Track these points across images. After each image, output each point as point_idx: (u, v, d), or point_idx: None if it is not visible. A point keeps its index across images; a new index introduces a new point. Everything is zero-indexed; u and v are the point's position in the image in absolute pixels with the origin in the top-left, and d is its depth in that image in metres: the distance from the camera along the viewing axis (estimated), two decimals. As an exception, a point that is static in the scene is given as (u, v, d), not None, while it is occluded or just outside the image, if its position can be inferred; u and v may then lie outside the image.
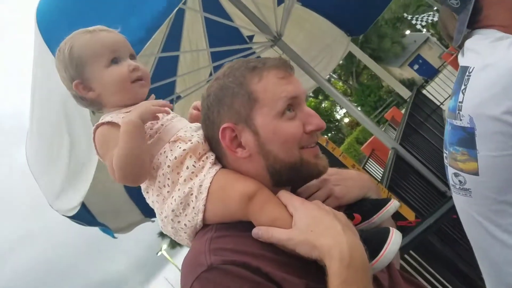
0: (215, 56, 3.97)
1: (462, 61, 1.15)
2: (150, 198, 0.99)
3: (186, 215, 0.92)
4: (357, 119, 4.37)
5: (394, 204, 1.00)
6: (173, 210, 0.92)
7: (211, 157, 0.96)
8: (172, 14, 1.94)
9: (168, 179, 0.94)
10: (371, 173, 6.80)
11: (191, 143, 0.96)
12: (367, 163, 7.30)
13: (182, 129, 1.01)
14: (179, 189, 0.92)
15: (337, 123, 27.55)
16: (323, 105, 25.91)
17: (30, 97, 2.30)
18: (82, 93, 1.08)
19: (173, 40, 3.51)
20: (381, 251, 0.84)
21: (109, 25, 1.41)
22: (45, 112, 2.24)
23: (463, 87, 1.07)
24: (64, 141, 2.15)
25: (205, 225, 0.91)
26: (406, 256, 2.29)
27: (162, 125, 1.03)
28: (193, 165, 0.93)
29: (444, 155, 1.19)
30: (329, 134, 27.20)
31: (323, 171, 0.96)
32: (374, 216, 0.98)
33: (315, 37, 4.83)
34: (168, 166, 0.94)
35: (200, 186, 0.90)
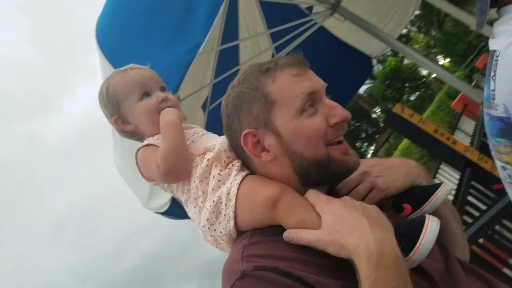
0: (275, 37, 3.88)
1: (491, 44, 0.99)
2: (190, 211, 1.02)
3: (219, 223, 0.94)
4: (439, 76, 4.01)
5: (445, 189, 0.93)
6: (208, 219, 0.95)
7: (237, 164, 0.97)
8: (225, 6, 1.96)
9: (199, 190, 0.97)
10: (466, 132, 6.19)
11: (214, 152, 0.98)
12: (460, 121, 6.67)
13: (210, 142, 1.04)
14: (209, 199, 0.95)
15: (424, 79, 25.69)
16: (404, 62, 24.27)
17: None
18: (121, 127, 1.21)
19: (231, 30, 3.50)
20: (417, 243, 0.78)
21: (163, 36, 1.46)
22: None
23: (492, 73, 0.94)
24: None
25: (242, 231, 0.92)
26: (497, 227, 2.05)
27: (192, 141, 1.09)
28: (218, 173, 0.95)
29: (490, 146, 1.06)
30: (417, 93, 25.50)
31: (354, 168, 0.91)
32: (425, 204, 0.91)
33: (381, -5, 4.49)
34: (197, 177, 0.98)
35: (228, 194, 0.92)
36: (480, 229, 2.00)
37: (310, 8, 4.05)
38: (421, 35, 24.40)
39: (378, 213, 0.81)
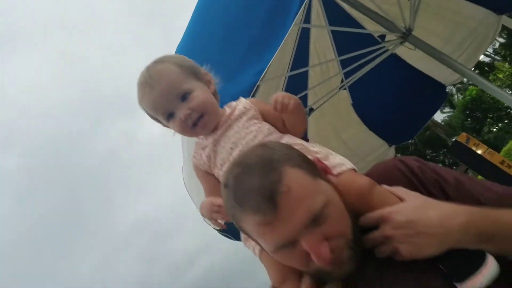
0: (345, 63, 3.94)
1: None
2: None
3: None
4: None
5: (491, 269, 0.79)
6: None
7: None
8: (298, 35, 2.07)
9: None
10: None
11: None
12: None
13: None
14: None
15: (509, 110, 23.86)
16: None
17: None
18: None
19: (301, 57, 3.64)
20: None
21: (236, 57, 1.55)
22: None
23: None
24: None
25: None
26: None
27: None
28: None
29: None
30: (500, 124, 23.79)
31: (342, 277, 0.88)
32: (464, 284, 0.80)
33: (457, 24, 4.37)
34: None
35: None
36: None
37: (382, 37, 4.07)
38: (506, 64, 22.84)
39: None
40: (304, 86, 3.80)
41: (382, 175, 1.01)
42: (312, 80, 3.87)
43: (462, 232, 0.81)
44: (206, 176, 1.26)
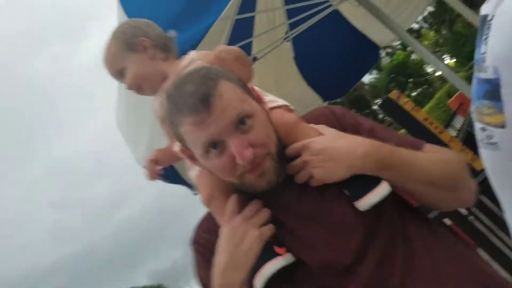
0: (291, 13, 3.95)
1: (482, 10, 1.02)
2: None
3: None
4: (442, 72, 4.12)
5: (383, 189, 0.96)
6: None
7: None
8: None
9: None
10: (459, 129, 6.35)
11: None
12: (454, 119, 6.81)
13: None
14: None
15: (428, 77, 25.69)
16: (412, 57, 24.20)
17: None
18: None
19: (249, 2, 3.57)
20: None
21: None
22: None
23: (484, 37, 0.96)
24: (146, 103, 2.38)
25: None
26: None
27: None
28: None
29: (472, 109, 1.12)
30: (419, 89, 25.61)
31: (266, 188, 1.00)
32: (360, 200, 0.96)
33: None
34: None
35: None
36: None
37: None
38: (432, 32, 24.29)
39: (249, 249, 0.97)
40: (250, 33, 3.77)
41: (311, 118, 1.16)
42: (258, 28, 3.84)
43: (363, 159, 0.98)
44: None
